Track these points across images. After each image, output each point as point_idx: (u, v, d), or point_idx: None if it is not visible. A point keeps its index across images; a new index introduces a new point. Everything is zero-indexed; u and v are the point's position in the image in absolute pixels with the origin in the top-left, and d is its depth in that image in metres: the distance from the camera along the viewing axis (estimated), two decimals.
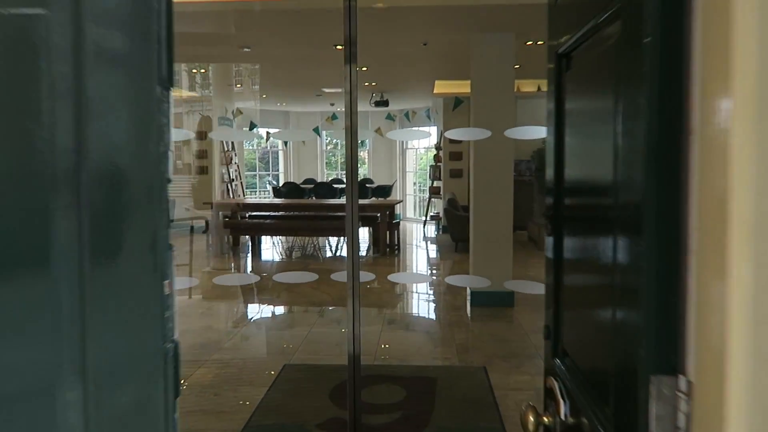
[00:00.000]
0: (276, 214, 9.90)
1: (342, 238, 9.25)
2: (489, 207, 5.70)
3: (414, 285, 7.36)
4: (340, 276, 3.16)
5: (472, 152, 5.80)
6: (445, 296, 6.38)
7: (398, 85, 9.72)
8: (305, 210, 9.64)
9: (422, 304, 6.48)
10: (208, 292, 6.10)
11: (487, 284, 4.58)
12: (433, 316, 5.64)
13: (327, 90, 10.28)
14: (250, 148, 15.42)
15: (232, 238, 10.03)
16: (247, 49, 6.32)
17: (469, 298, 5.91)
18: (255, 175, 15.33)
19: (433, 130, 13.36)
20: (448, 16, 5.18)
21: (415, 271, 8.36)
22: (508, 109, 5.55)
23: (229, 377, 3.87)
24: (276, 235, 9.88)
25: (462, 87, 10.26)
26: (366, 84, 9.22)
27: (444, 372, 4.02)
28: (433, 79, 9.13)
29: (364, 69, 7.75)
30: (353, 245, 2.60)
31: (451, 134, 3.88)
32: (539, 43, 6.08)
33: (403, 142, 14.49)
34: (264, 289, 6.40)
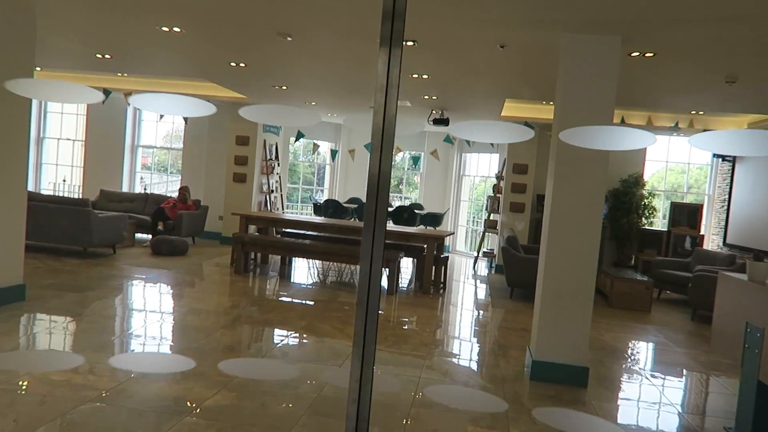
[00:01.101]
0: (309, 233, 8.89)
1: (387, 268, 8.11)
2: (567, 255, 4.46)
3: (456, 328, 6.15)
4: (339, 379, 2.03)
5: (550, 183, 4.59)
6: (495, 356, 5.14)
7: (462, 101, 8.59)
8: (341, 232, 8.55)
9: (464, 362, 5.23)
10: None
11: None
12: (479, 385, 4.40)
13: None
14: (305, 161, 14.67)
15: (261, 255, 9.09)
16: (288, 39, 5.37)
17: (528, 367, 4.66)
18: (297, 188, 14.49)
19: (495, 158, 12.19)
20: (535, 10, 4.04)
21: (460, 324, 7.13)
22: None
23: None
24: (302, 258, 8.85)
25: (534, 111, 9.04)
26: (426, 97, 8.16)
27: None
28: (503, 98, 7.97)
29: (425, 77, 6.69)
30: (367, 322, 1.46)
31: (568, 136, 2.68)
32: (647, 55, 4.84)
33: (460, 167, 13.31)
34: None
